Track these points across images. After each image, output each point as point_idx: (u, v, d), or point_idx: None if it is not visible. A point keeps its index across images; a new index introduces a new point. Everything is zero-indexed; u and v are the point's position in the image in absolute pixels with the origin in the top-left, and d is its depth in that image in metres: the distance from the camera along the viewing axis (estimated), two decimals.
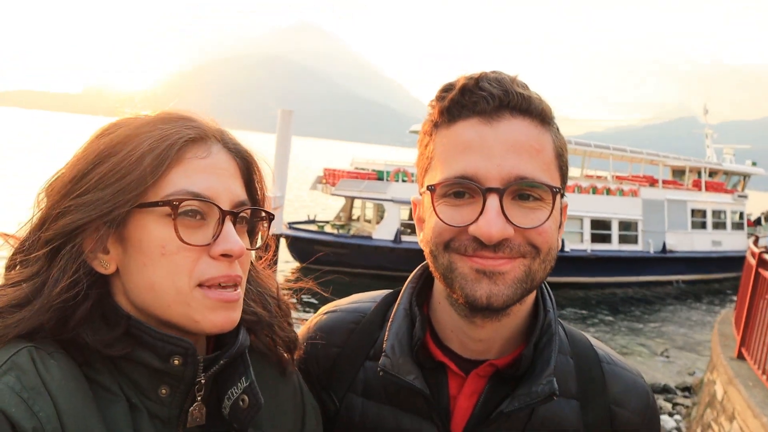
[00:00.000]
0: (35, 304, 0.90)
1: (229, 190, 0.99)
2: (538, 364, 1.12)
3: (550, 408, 1.15)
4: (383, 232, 18.85)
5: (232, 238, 0.96)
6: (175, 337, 0.94)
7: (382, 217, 20.42)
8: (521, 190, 1.04)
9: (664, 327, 17.83)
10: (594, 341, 1.30)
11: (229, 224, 0.97)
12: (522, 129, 1.04)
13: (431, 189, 1.07)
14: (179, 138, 0.95)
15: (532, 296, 1.17)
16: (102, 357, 0.93)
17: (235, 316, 0.99)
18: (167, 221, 0.93)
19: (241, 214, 1.01)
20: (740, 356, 6.98)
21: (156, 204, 0.92)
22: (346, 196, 21.04)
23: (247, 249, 1.02)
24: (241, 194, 1.02)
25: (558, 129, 1.13)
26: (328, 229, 21.22)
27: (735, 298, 9.41)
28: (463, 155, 1.04)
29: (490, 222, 1.00)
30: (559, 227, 1.13)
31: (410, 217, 20.52)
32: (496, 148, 1.02)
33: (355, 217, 23.26)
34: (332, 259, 17.82)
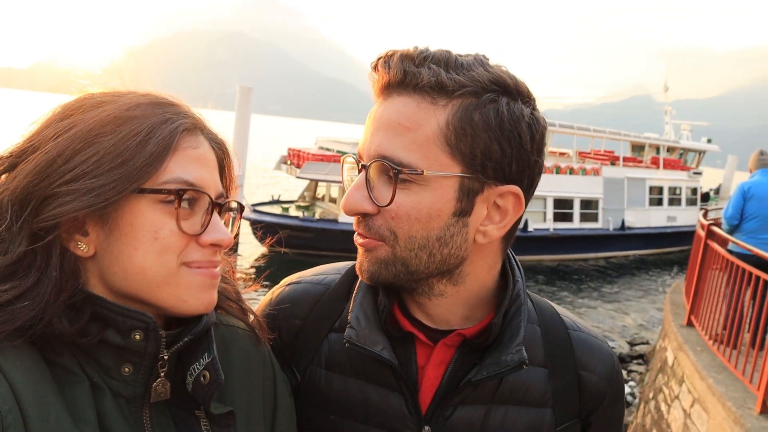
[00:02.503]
0: (25, 299, 0.86)
1: (215, 182, 1.01)
2: (506, 333, 1.13)
3: (519, 376, 1.16)
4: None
5: (222, 228, 1.00)
6: (135, 311, 0.93)
7: None
8: (389, 168, 1.02)
9: (620, 299, 18.41)
10: (559, 309, 1.31)
11: (216, 215, 1.00)
12: (397, 107, 1.03)
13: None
14: (178, 126, 0.96)
15: (486, 271, 1.15)
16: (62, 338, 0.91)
17: (215, 296, 1.03)
18: (162, 207, 0.93)
19: (224, 205, 1.04)
20: (690, 323, 7.30)
21: (160, 191, 0.92)
22: (311, 179, 20.86)
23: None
24: (220, 186, 1.04)
25: (479, 105, 1.02)
26: (292, 210, 21.00)
27: (686, 269, 9.81)
28: (361, 134, 1.11)
29: (347, 195, 1.06)
30: (466, 215, 1.06)
31: None
32: (370, 126, 1.07)
33: (319, 196, 23.11)
34: (297, 242, 17.68)
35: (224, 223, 1.06)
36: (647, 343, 13.18)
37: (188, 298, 0.97)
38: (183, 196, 0.94)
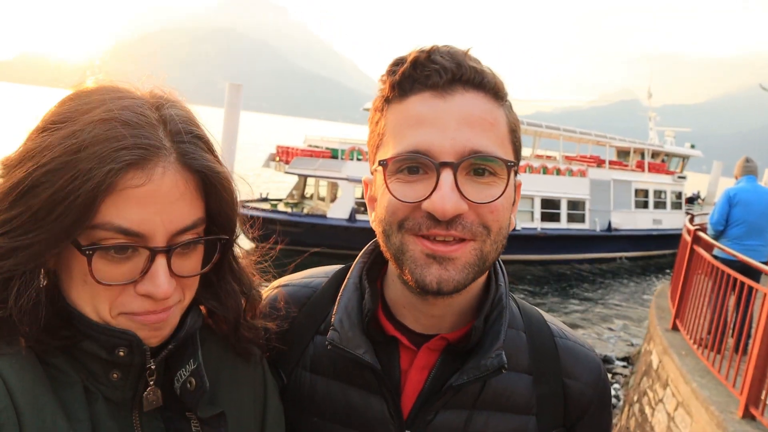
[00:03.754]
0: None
1: (169, 220, 0.90)
2: (487, 337, 1.12)
3: (502, 381, 1.16)
4: (338, 211, 18.78)
5: (158, 280, 0.90)
6: (117, 330, 0.92)
7: (335, 196, 20.32)
8: (476, 165, 1.01)
9: (607, 301, 18.61)
10: (547, 316, 1.32)
11: (159, 263, 0.90)
12: (476, 103, 1.02)
13: (383, 164, 1.04)
14: (112, 167, 0.84)
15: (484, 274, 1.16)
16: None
17: (164, 333, 0.97)
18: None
19: (187, 240, 0.93)
20: (675, 327, 7.38)
21: (79, 247, 0.87)
22: (300, 175, 20.82)
23: (187, 276, 0.96)
24: (186, 219, 0.93)
25: (511, 106, 1.12)
26: (281, 207, 20.97)
27: (672, 273, 9.90)
28: (416, 129, 1.01)
29: (445, 196, 0.97)
30: (513, 205, 1.12)
31: (363, 196, 20.39)
32: (449, 121, 1.00)
33: (308, 195, 23.07)
34: (286, 237, 17.61)
35: (209, 256, 1.00)
36: (632, 345, 13.31)
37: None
38: (99, 246, 0.87)
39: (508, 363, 1.11)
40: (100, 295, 0.89)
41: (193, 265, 0.98)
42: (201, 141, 0.97)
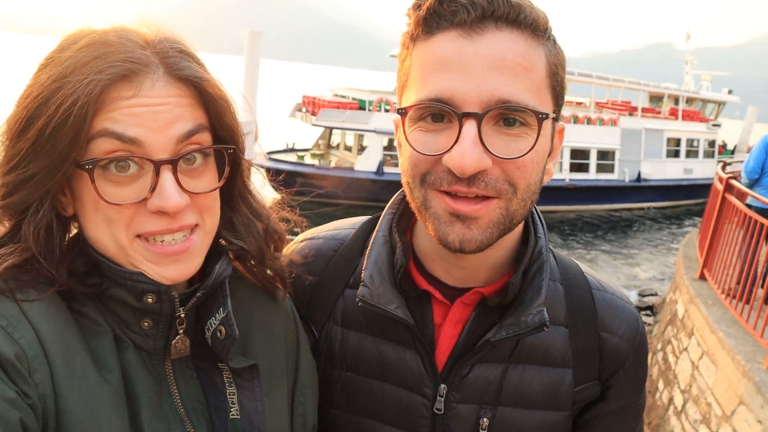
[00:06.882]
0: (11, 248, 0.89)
1: (167, 130, 0.88)
2: (528, 292, 1.09)
3: (538, 335, 1.12)
4: (365, 164, 18.72)
5: (167, 192, 0.87)
6: (144, 276, 0.92)
7: (362, 146, 20.23)
8: (504, 115, 0.93)
9: (633, 250, 18.44)
10: (584, 268, 1.27)
11: (165, 175, 0.88)
12: (508, 43, 0.92)
13: (401, 112, 0.99)
14: (98, 82, 0.84)
15: (525, 215, 1.08)
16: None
17: (189, 266, 0.95)
18: (96, 177, 0.87)
19: (193, 151, 0.91)
20: (702, 277, 7.28)
21: (80, 166, 0.86)
22: (326, 127, 20.67)
23: (200, 193, 0.94)
24: (186, 123, 0.90)
25: (555, 42, 1.00)
26: (307, 158, 20.98)
27: (700, 222, 9.71)
28: (439, 74, 0.93)
29: (464, 152, 0.91)
30: (550, 154, 1.05)
31: (390, 147, 20.39)
32: (476, 66, 0.91)
33: (334, 144, 22.99)
34: (313, 191, 17.65)
35: (219, 168, 0.99)
36: (656, 294, 13.24)
37: (147, 270, 0.92)
38: (98, 165, 0.86)
39: None
40: (113, 219, 0.89)
41: (206, 183, 0.96)
42: (188, 56, 0.95)
